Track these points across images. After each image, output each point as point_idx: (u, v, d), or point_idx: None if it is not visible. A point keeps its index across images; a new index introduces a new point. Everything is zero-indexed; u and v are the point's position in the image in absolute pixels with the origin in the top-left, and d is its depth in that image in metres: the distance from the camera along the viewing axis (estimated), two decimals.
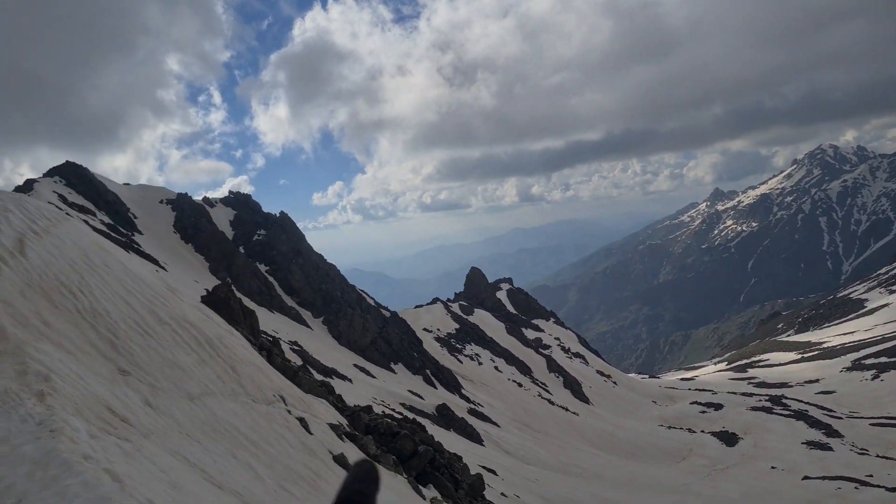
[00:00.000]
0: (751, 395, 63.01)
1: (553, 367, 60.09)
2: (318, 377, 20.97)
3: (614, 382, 66.43)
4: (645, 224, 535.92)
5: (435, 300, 70.15)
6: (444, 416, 29.68)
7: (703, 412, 55.27)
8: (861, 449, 40.92)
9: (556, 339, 72.12)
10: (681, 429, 49.89)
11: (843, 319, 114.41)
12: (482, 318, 65.96)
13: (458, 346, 54.78)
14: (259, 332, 17.53)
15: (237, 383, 9.37)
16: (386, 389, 30.95)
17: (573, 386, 57.38)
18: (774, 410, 53.10)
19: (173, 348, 8.55)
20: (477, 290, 77.65)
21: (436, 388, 40.70)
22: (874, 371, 64.73)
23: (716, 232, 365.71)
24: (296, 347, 30.34)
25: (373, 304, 50.68)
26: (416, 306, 67.59)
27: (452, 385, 42.92)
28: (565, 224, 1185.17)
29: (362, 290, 53.14)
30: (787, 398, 58.94)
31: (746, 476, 34.34)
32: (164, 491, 4.75)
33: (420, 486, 11.91)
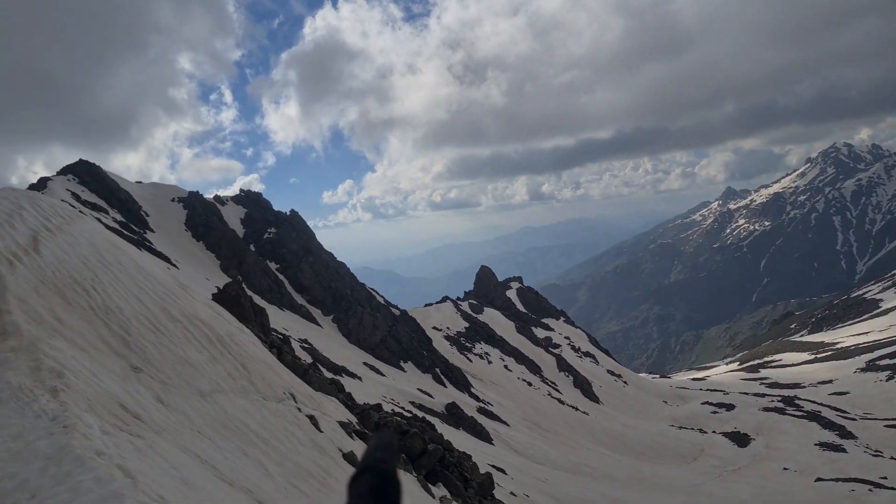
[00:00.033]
0: (763, 395, 62.46)
1: (563, 366, 59.90)
2: (328, 375, 21.03)
3: (625, 382, 66.09)
4: (656, 223, 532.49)
5: (444, 299, 70.11)
6: (454, 415, 29.68)
7: (715, 412, 54.87)
8: (875, 451, 40.44)
9: (566, 338, 71.86)
10: (692, 429, 49.56)
11: (857, 320, 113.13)
12: (492, 317, 65.87)
13: (467, 344, 54.75)
14: (269, 330, 17.61)
15: (248, 381, 9.41)
16: (395, 388, 31.01)
17: (583, 385, 57.17)
18: (787, 411, 52.61)
19: (185, 345, 8.60)
20: (487, 288, 77.54)
21: (445, 386, 40.72)
22: (889, 372, 63.93)
23: (728, 231, 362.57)
24: (306, 345, 30.46)
25: (382, 302, 50.76)
26: (426, 305, 67.61)
27: (462, 384, 42.91)
28: (575, 223, 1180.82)
29: (372, 289, 53.24)
30: (799, 399, 58.39)
31: (758, 477, 34.06)
32: (175, 487, 4.78)
33: (429, 485, 11.92)
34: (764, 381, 73.90)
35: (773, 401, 57.79)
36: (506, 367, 52.60)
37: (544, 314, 79.26)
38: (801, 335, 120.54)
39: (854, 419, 50.14)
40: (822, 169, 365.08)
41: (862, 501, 26.80)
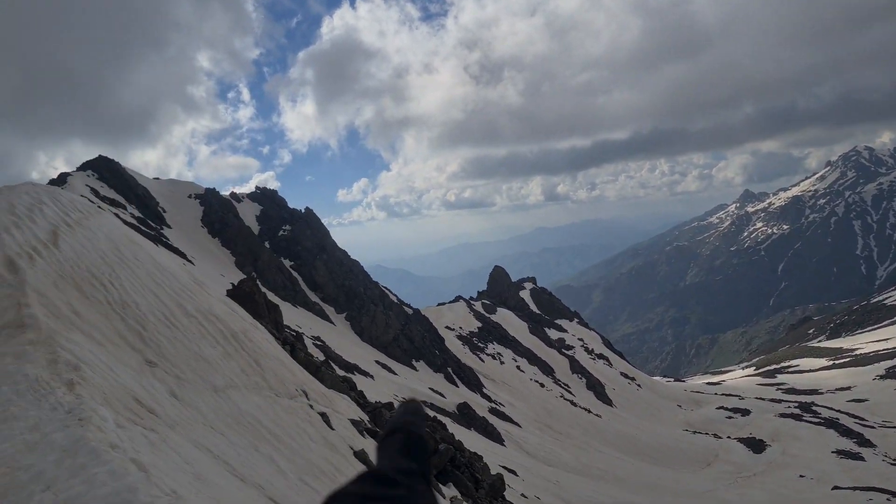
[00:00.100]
0: (779, 401, 61.59)
1: (576, 368, 59.56)
2: (341, 373, 21.10)
3: (638, 385, 65.55)
4: (672, 225, 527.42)
5: (458, 298, 70.07)
6: (465, 415, 29.65)
7: (730, 417, 54.23)
8: (894, 459, 39.73)
9: (579, 339, 71.45)
10: (706, 434, 49.03)
11: (876, 326, 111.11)
12: (505, 318, 65.68)
13: (480, 344, 54.66)
14: (283, 327, 17.70)
15: (261, 377, 9.46)
16: (407, 386, 31.04)
17: (596, 388, 56.80)
18: (804, 418, 51.82)
19: (199, 341, 8.67)
20: (500, 288, 77.35)
21: (457, 386, 40.68)
22: None
23: (745, 234, 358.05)
24: (318, 343, 30.61)
25: (395, 300, 50.86)
26: (439, 304, 67.63)
27: (474, 384, 42.85)
28: (590, 224, 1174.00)
29: (385, 287, 53.37)
30: (817, 405, 57.51)
31: (774, 484, 33.58)
32: (188, 482, 4.80)
33: (440, 485, 11.90)
34: (781, 387, 72.88)
35: (789, 407, 56.98)
36: (518, 367, 52.43)
37: (558, 315, 78.87)
38: (819, 340, 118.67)
39: (873, 427, 49.27)
40: (842, 172, 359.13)
41: None
